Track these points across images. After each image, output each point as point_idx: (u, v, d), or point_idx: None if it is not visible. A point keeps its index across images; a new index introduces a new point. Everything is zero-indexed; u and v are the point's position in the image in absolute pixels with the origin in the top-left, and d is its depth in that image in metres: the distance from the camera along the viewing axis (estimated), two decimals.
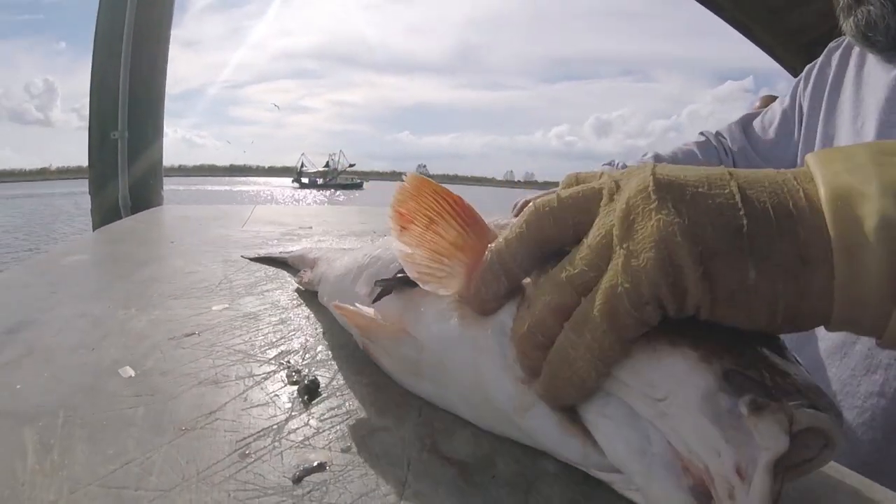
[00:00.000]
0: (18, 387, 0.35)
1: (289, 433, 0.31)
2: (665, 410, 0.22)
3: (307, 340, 0.46)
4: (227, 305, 0.53)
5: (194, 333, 0.45)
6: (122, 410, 0.33)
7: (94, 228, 1.39)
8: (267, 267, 0.72)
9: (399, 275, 0.36)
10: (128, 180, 1.41)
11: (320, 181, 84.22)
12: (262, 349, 0.43)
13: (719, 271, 0.20)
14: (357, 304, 0.38)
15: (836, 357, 0.59)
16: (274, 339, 0.45)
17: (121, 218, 1.35)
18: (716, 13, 3.37)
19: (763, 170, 0.23)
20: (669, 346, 0.22)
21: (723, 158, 0.79)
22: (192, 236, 0.95)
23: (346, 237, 1.02)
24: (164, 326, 0.47)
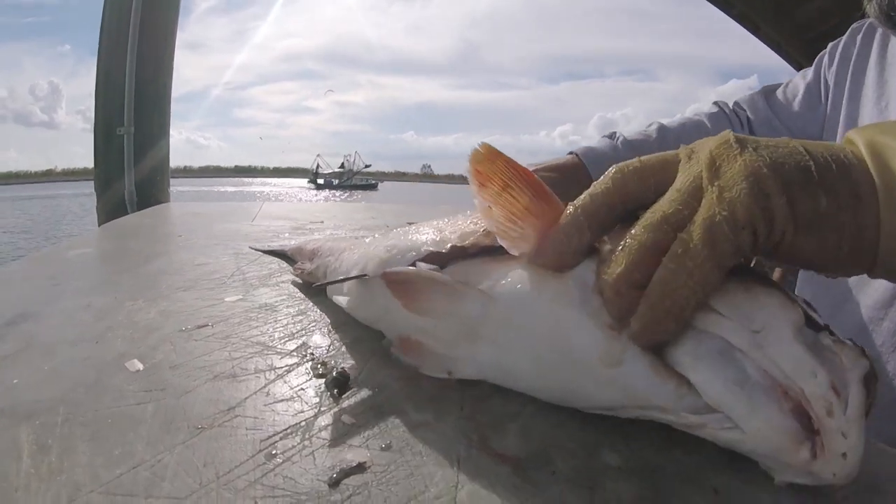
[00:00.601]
0: (15, 381, 0.32)
1: (319, 430, 0.28)
2: (761, 342, 0.24)
3: (330, 331, 0.42)
4: (240, 297, 0.50)
5: (207, 325, 0.42)
6: (130, 407, 0.29)
7: (100, 224, 1.36)
8: (280, 259, 0.68)
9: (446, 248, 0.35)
10: (134, 177, 1.37)
11: (336, 182, 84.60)
12: (282, 341, 0.39)
13: (798, 199, 0.23)
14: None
15: (863, 336, 0.58)
16: (294, 331, 0.42)
17: (126, 213, 1.32)
18: (725, 11, 3.34)
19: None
20: (761, 285, 0.25)
21: (737, 130, 0.76)
22: (200, 231, 0.91)
23: (359, 231, 0.99)
24: (173, 318, 0.43)
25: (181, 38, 1.54)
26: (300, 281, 0.56)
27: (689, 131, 0.75)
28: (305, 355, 0.37)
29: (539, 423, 0.29)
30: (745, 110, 0.78)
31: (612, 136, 0.75)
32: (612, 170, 0.28)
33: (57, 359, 0.35)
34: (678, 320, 0.25)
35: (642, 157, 0.28)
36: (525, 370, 0.31)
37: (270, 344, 0.38)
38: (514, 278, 0.30)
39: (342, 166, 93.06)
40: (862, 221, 0.24)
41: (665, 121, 0.76)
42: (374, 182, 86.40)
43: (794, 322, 0.24)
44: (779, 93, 0.78)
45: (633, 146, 0.71)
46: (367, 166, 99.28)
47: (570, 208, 0.29)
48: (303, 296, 0.51)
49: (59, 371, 0.33)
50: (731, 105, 0.79)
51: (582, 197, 0.29)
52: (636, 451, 0.27)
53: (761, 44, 3.59)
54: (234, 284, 0.54)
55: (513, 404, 0.31)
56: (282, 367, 0.35)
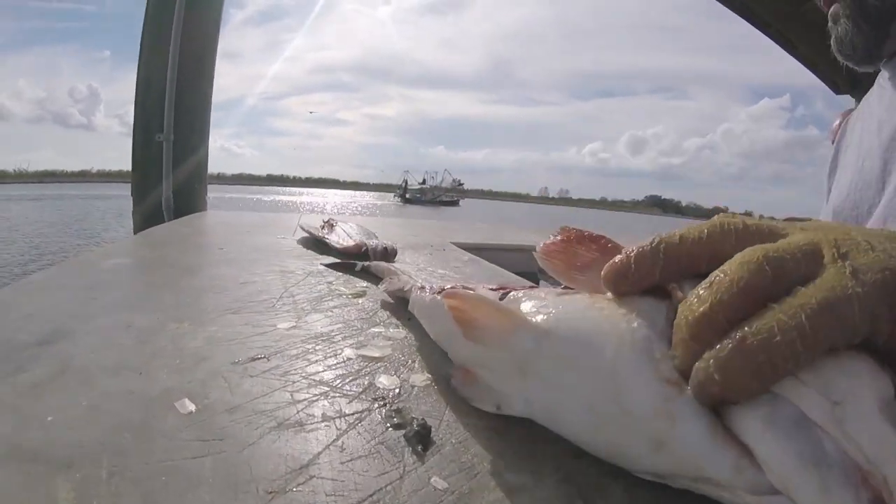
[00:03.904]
0: (50, 419, 0.27)
1: (409, 496, 0.23)
2: (841, 416, 0.20)
3: (397, 370, 0.37)
4: (293, 324, 0.45)
5: (262, 357, 0.37)
6: (185, 461, 0.24)
7: (136, 230, 1.34)
8: (329, 280, 0.64)
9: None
10: (172, 184, 1.35)
11: (423, 198, 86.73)
12: (347, 380, 0.35)
13: None
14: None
15: None
16: (357, 367, 0.37)
17: (163, 219, 1.30)
18: (762, 30, 3.28)
19: None
20: (849, 349, 0.22)
21: None
22: (241, 243, 0.88)
23: (405, 250, 0.95)
24: (224, 347, 0.39)
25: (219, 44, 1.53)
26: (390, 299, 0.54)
27: None
28: (375, 399, 0.32)
29: (644, 480, 0.25)
30: None
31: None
32: (716, 219, 0.26)
33: (96, 390, 0.31)
34: (765, 382, 0.21)
35: (747, 220, 0.26)
36: (573, 416, 0.27)
37: (335, 384, 0.34)
38: (571, 312, 0.28)
39: (423, 182, 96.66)
40: None
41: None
42: (456, 199, 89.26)
43: (881, 395, 0.21)
44: None
45: None
46: (460, 184, 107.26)
47: (654, 238, 0.26)
48: (359, 326, 0.46)
49: (100, 408, 0.29)
50: None
51: (671, 234, 0.26)
52: None
53: (794, 63, 3.51)
54: (284, 309, 0.50)
55: None
56: (352, 415, 0.30)
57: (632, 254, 0.26)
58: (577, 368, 0.26)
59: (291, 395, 0.32)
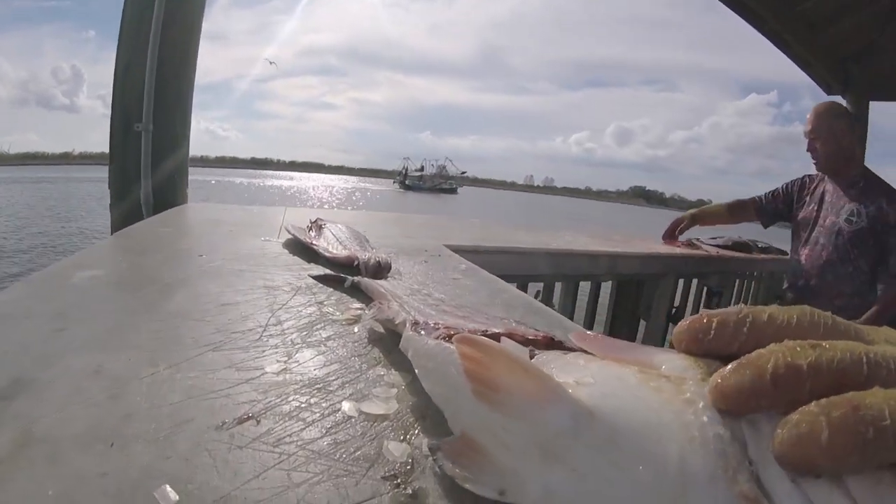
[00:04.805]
0: None
1: None
2: None
3: (407, 431, 0.34)
4: (283, 365, 0.41)
5: (251, 418, 0.33)
6: None
7: (113, 226, 1.28)
8: (320, 299, 0.60)
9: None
10: (151, 177, 1.28)
11: (423, 185, 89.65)
12: (350, 449, 0.31)
13: None
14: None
15: None
16: (360, 429, 0.33)
17: (142, 217, 1.24)
18: (756, 27, 3.26)
19: None
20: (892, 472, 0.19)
21: None
22: (223, 248, 0.83)
23: (399, 256, 0.91)
24: (206, 403, 0.35)
25: (202, 28, 1.45)
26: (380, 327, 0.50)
27: None
28: (386, 478, 0.29)
29: None
30: None
31: None
32: (806, 309, 0.25)
33: (65, 472, 0.27)
34: (865, 461, 0.19)
35: (837, 318, 0.24)
36: None
37: (337, 456, 0.30)
38: (620, 389, 0.24)
39: (421, 169, 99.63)
40: None
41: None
42: (454, 186, 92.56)
43: None
44: None
45: None
46: (462, 173, 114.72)
47: (740, 309, 0.25)
48: (357, 366, 0.43)
49: (70, 497, 0.25)
50: None
51: (759, 309, 0.25)
52: None
53: (782, 59, 3.51)
54: (272, 342, 0.46)
55: None
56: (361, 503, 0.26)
57: (714, 319, 0.25)
58: (624, 465, 0.22)
59: (288, 476, 0.28)
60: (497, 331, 0.41)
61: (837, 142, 1.64)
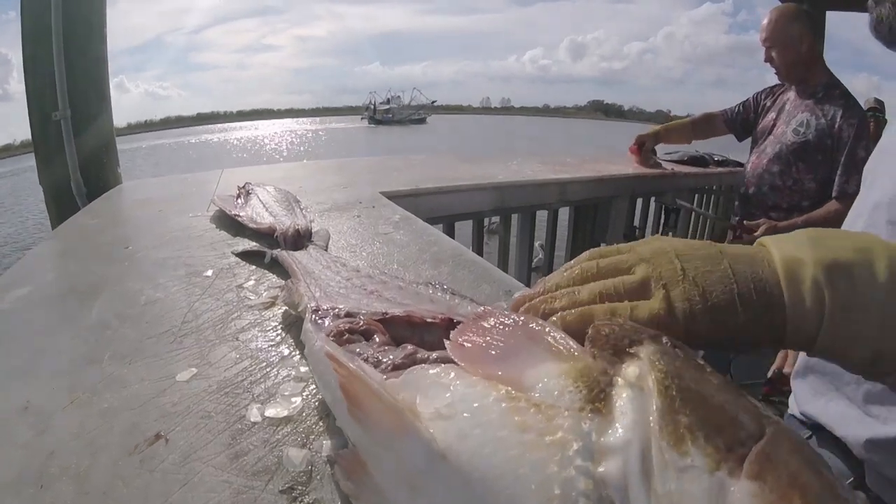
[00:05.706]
0: None
1: None
2: None
3: (307, 435, 0.37)
4: (195, 370, 0.44)
5: (161, 437, 0.37)
6: None
7: (52, 220, 1.27)
8: (240, 281, 0.63)
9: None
10: (78, 164, 1.24)
11: (392, 117, 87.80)
12: (252, 460, 0.35)
13: (722, 319, 0.31)
14: (360, 363, 0.31)
15: None
16: (264, 436, 0.37)
17: (76, 204, 1.22)
18: None
19: (743, 246, 0.34)
20: None
21: None
22: (149, 233, 0.84)
23: (330, 212, 0.92)
24: (120, 423, 0.38)
25: None
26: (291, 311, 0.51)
27: None
28: (283, 491, 0.32)
29: None
30: None
31: None
32: (585, 255, 0.38)
33: None
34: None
35: (602, 261, 0.36)
36: None
37: (239, 471, 0.34)
38: (482, 422, 0.23)
39: (388, 102, 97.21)
40: (771, 322, 0.31)
41: None
42: (423, 116, 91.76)
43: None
44: None
45: None
46: (433, 102, 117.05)
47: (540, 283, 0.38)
48: (266, 359, 0.46)
49: None
50: None
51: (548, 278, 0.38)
52: None
53: None
54: (186, 341, 0.49)
55: None
56: None
57: (520, 300, 0.37)
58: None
59: (192, 498, 0.31)
60: (397, 313, 0.43)
61: (795, 48, 1.52)
